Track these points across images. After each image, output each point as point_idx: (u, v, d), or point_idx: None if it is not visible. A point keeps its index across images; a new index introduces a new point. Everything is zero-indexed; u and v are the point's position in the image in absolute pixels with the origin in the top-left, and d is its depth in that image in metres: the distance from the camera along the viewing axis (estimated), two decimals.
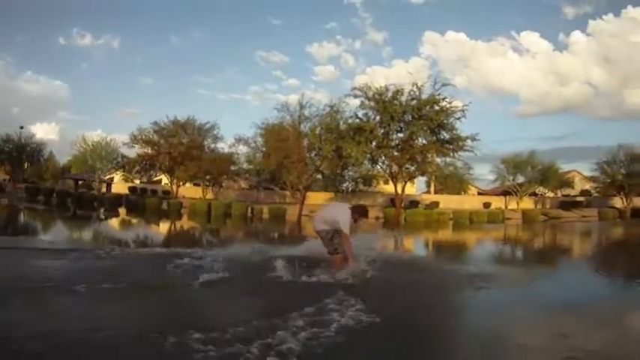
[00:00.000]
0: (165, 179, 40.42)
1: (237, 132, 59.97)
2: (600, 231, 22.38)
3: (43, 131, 69.99)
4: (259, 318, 3.64)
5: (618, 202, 38.35)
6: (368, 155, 24.13)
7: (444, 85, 23.32)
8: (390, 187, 30.81)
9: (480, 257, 10.90)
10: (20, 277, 5.04)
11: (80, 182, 44.02)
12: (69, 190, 38.86)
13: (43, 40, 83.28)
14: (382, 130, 23.94)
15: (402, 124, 23.76)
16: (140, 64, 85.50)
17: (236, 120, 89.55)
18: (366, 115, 24.43)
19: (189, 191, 37.48)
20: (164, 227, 18.66)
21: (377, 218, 25.64)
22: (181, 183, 35.58)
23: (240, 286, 5.25)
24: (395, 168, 25.20)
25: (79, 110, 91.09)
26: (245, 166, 34.70)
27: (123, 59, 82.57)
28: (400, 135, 24.40)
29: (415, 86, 23.15)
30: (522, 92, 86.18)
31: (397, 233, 14.14)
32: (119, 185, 43.70)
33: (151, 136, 33.85)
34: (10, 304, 4.04)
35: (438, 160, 25.60)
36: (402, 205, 26.60)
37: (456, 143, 23.59)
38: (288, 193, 33.36)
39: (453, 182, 37.63)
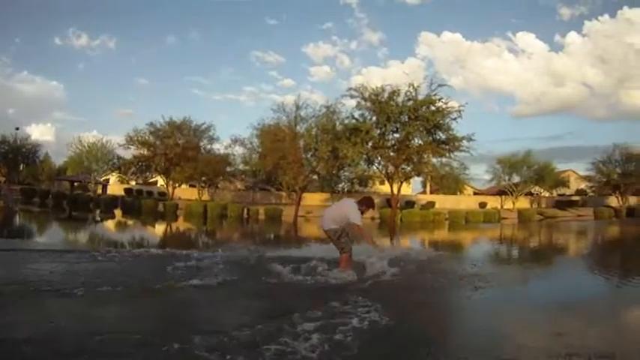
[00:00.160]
0: (161, 181, 40.31)
1: (233, 133, 60.01)
2: (596, 230, 22.51)
3: (38, 132, 69.63)
4: (265, 320, 3.67)
5: (614, 201, 38.64)
6: (364, 156, 24.09)
7: (440, 85, 23.34)
8: (385, 188, 30.85)
9: (477, 257, 10.91)
10: (17, 280, 5.00)
11: (76, 184, 43.83)
12: (65, 192, 38.66)
13: (39, 41, 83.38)
14: (378, 131, 23.92)
15: (398, 125, 23.77)
16: (136, 64, 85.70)
17: (231, 120, 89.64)
18: (362, 115, 24.41)
19: (185, 193, 37.42)
20: (160, 229, 18.57)
21: (372, 219, 25.65)
22: (177, 184, 35.43)
23: (241, 287, 5.25)
24: (391, 168, 25.21)
25: (75, 111, 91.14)
26: (241, 167, 34.52)
27: (119, 60, 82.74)
28: (396, 135, 24.40)
29: (411, 87, 23.17)
30: (518, 92, 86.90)
31: (395, 239, 14.26)
32: (115, 187, 43.53)
33: (146, 138, 33.69)
34: (7, 307, 4.00)
35: (434, 160, 25.60)
36: (398, 205, 26.64)
37: (452, 144, 23.62)
38: (284, 193, 33.34)
39: (449, 182, 37.59)
